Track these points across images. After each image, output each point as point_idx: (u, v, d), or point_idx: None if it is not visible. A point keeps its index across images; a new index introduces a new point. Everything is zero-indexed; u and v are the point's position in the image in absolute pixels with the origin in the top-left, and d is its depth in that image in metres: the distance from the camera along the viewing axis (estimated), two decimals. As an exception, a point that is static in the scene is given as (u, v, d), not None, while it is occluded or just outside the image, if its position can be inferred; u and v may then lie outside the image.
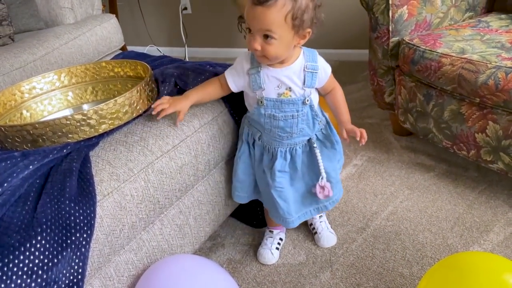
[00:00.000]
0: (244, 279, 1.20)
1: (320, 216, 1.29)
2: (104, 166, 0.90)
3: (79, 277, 0.75)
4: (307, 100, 0.98)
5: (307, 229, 1.33)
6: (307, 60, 0.97)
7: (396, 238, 1.24)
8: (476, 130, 1.25)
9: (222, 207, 1.20)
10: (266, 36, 0.87)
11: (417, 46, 1.38)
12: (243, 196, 1.16)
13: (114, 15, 2.18)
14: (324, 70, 1.00)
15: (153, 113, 0.97)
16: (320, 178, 1.05)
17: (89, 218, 0.78)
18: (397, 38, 1.48)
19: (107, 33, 2.07)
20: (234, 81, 1.01)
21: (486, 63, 1.18)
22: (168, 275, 0.89)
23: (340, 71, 2.43)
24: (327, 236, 1.25)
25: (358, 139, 1.04)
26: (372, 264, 1.17)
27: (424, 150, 1.61)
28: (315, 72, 0.97)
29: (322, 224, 1.27)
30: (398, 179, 1.48)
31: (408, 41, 1.42)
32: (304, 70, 0.96)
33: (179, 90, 1.14)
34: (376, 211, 1.36)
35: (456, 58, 1.25)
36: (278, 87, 0.97)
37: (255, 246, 1.29)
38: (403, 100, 1.50)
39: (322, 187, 1.06)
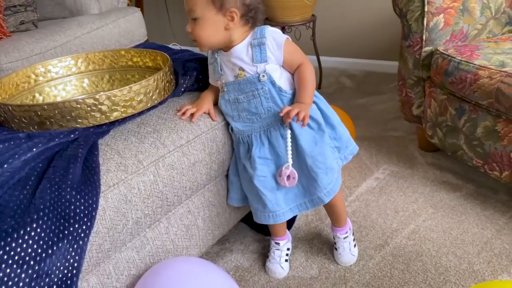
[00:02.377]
0: (251, 289, 1.12)
1: (345, 238, 1.17)
2: (112, 156, 0.84)
3: (74, 271, 0.69)
4: (263, 76, 0.94)
5: (322, 241, 1.25)
6: (253, 37, 0.95)
7: (417, 259, 1.16)
8: (512, 150, 1.16)
9: (233, 210, 1.14)
10: (194, 20, 0.92)
11: (452, 57, 1.30)
12: (235, 198, 1.10)
13: (139, 9, 2.15)
14: (274, 39, 0.94)
15: (183, 118, 0.98)
16: (286, 163, 0.97)
17: (90, 209, 0.73)
18: (431, 47, 1.40)
19: (131, 26, 2.04)
20: (210, 76, 1.05)
21: (529, 78, 1.10)
22: (169, 278, 0.83)
23: (366, 81, 2.35)
24: (347, 257, 1.17)
25: (281, 114, 0.93)
26: (389, 285, 1.09)
27: (451, 168, 1.51)
28: (263, 45, 0.94)
29: (345, 244, 1.17)
30: (422, 196, 1.39)
31: (443, 51, 1.34)
32: (250, 46, 0.94)
33: (199, 87, 1.09)
34: (396, 228, 1.27)
35: (495, 71, 1.17)
36: (232, 69, 0.97)
37: (264, 255, 1.22)
38: (432, 114, 1.42)
39: (288, 175, 0.97)
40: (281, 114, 0.93)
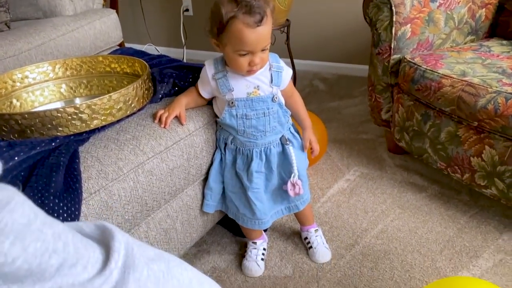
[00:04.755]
0: (228, 289, 1.17)
1: (316, 231, 1.26)
2: (93, 163, 0.87)
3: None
4: (276, 98, 1.03)
5: (295, 242, 1.30)
6: (271, 61, 1.02)
7: (385, 257, 1.22)
8: (472, 154, 1.24)
9: (211, 213, 1.17)
10: (263, 50, 0.95)
11: (418, 65, 1.37)
12: (211, 205, 1.14)
13: (115, 10, 2.15)
14: (287, 71, 1.05)
15: (161, 125, 1.00)
16: (292, 175, 1.07)
17: (73, 216, 0.75)
18: (399, 55, 1.47)
19: (106, 28, 2.04)
20: (204, 89, 1.05)
21: (487, 87, 1.18)
22: None
23: (338, 84, 2.42)
24: (323, 251, 1.23)
25: (305, 150, 1.14)
26: (359, 283, 1.15)
27: (418, 170, 1.60)
28: (280, 72, 1.03)
29: (317, 239, 1.25)
30: (390, 197, 1.47)
31: (410, 60, 1.41)
32: (270, 69, 1.02)
33: (176, 92, 1.12)
34: (366, 228, 1.34)
35: (456, 80, 1.25)
36: (246, 86, 1.00)
37: (241, 256, 1.26)
38: (400, 118, 1.49)
39: (293, 185, 1.08)
40: (306, 150, 1.14)
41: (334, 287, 1.14)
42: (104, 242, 0.42)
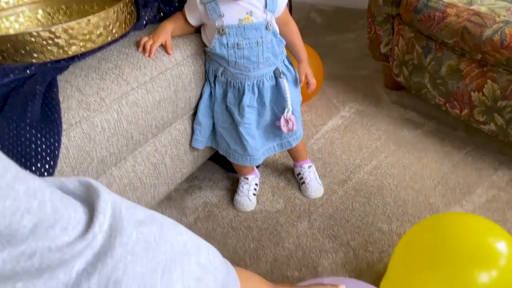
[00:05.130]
0: (220, 223, 1.16)
1: (309, 167, 1.24)
2: (73, 93, 0.81)
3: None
4: (270, 25, 0.95)
5: (288, 178, 1.28)
6: None
7: (378, 193, 1.21)
8: (473, 89, 1.19)
9: (201, 149, 1.14)
10: None
11: (422, -6, 1.28)
12: (201, 140, 1.10)
13: None
14: None
15: (145, 54, 0.93)
16: (286, 110, 1.03)
17: (52, 147, 0.71)
18: (402, -17, 1.37)
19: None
20: (191, 15, 0.97)
21: (494, 16, 1.10)
22: None
23: (336, 17, 2.31)
24: (315, 186, 1.22)
25: (301, 84, 1.08)
26: (351, 217, 1.15)
27: (414, 107, 1.55)
28: None
29: (310, 174, 1.23)
30: (385, 134, 1.44)
31: (413, -13, 1.31)
32: None
33: (162, 18, 1.04)
34: (359, 164, 1.32)
35: (462, 9, 1.17)
36: (238, 12, 0.92)
37: (233, 191, 1.25)
38: (399, 52, 1.42)
39: (287, 120, 1.04)
40: (302, 84, 1.07)
41: (326, 222, 1.14)
42: (89, 201, 0.37)
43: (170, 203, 1.23)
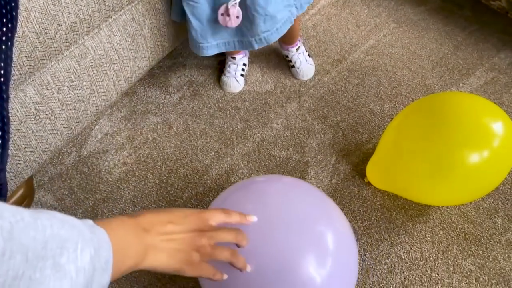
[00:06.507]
0: (206, 103, 1.11)
1: (298, 48, 1.14)
2: None
3: (2, 79, 0.62)
4: None
5: (279, 56, 1.21)
6: None
7: (373, 73, 1.15)
8: (489, -43, 1.07)
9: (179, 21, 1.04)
10: None
11: None
12: (176, 12, 0.95)
13: None
14: None
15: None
16: (233, 1, 0.84)
17: (8, 7, 0.62)
18: None
19: None
20: None
21: None
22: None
23: None
24: (306, 69, 1.14)
25: None
26: (342, 99, 1.10)
27: (420, -19, 1.41)
28: None
29: (300, 56, 1.14)
30: (386, 10, 1.32)
31: None
32: None
33: None
34: (356, 43, 1.23)
35: None
36: None
37: (220, 71, 1.17)
38: None
39: (226, 11, 0.85)
40: None
41: (316, 103, 1.10)
42: None
43: (153, 80, 1.16)
